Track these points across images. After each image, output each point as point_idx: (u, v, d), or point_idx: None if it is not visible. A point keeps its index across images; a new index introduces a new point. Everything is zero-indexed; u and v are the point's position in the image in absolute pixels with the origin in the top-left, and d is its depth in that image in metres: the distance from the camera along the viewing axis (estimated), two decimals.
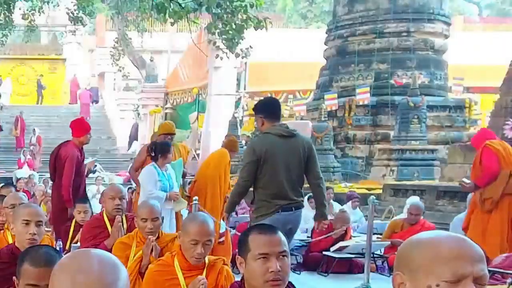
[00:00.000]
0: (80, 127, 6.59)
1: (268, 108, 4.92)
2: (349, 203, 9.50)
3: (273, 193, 4.79)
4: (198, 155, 18.72)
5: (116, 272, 1.30)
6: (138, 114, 25.08)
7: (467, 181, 6.75)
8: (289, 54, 18.10)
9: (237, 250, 2.45)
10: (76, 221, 5.98)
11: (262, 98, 6.10)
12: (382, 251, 7.79)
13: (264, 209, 4.83)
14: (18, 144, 22.94)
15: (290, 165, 4.78)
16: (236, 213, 8.20)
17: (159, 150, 6.32)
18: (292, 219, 4.88)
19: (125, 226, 4.48)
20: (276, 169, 4.75)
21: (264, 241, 2.25)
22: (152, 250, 3.73)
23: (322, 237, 7.67)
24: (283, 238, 2.30)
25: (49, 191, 10.54)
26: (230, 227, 8.46)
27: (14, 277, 2.24)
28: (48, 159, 6.94)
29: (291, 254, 7.76)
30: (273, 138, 4.76)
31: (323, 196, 4.94)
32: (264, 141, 4.81)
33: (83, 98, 27.16)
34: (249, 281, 2.32)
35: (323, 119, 12.70)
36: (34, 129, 21.88)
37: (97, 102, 28.32)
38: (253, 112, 5.17)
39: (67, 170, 6.27)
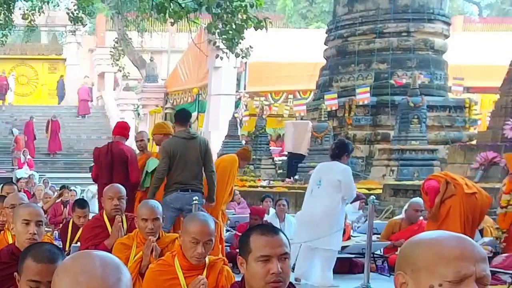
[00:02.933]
0: (127, 128, 7.31)
1: (177, 117, 6.86)
2: (355, 203, 9.44)
3: (177, 179, 6.47)
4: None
5: (118, 273, 1.30)
6: (138, 114, 25.08)
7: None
8: (289, 54, 18.07)
9: (237, 250, 2.45)
10: (73, 222, 6.00)
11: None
12: (382, 251, 7.78)
13: (171, 190, 6.48)
14: (49, 148, 22.60)
15: (190, 160, 6.47)
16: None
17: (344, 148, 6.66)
18: (187, 198, 6.42)
19: (125, 226, 4.48)
20: (179, 162, 6.43)
21: (266, 242, 2.24)
22: (152, 251, 3.73)
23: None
24: (285, 239, 2.30)
25: (49, 191, 10.54)
26: (230, 227, 8.48)
27: (15, 273, 2.23)
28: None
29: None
30: (178, 140, 6.49)
31: (213, 185, 6.68)
32: (172, 142, 6.54)
33: (81, 95, 27.19)
34: (249, 281, 2.31)
35: (323, 119, 12.70)
36: (12, 129, 21.95)
37: (90, 101, 28.31)
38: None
39: (136, 167, 6.85)
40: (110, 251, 4.12)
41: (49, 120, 22.60)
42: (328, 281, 6.62)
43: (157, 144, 7.26)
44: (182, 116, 6.81)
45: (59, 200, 9.30)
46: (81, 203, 6.35)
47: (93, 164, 7.49)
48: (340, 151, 6.55)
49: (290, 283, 2.35)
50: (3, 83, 27.01)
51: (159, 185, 6.52)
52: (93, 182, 15.93)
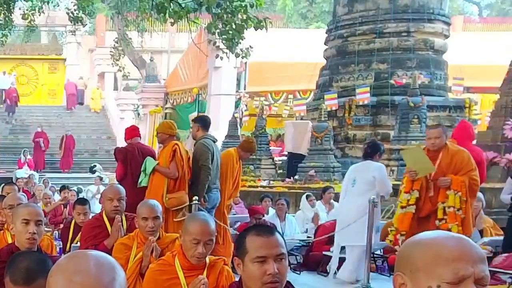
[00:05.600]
0: (138, 129, 7.95)
1: (204, 122, 7.35)
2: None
3: (212, 180, 7.07)
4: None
5: (113, 273, 1.30)
6: (138, 114, 25.09)
7: None
8: (289, 54, 18.06)
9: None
10: (75, 222, 6.00)
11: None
12: (382, 251, 7.78)
13: (207, 191, 7.07)
14: (60, 165, 21.59)
15: (218, 161, 7.18)
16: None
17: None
18: (218, 196, 7.24)
19: (124, 226, 4.48)
20: (214, 163, 7.07)
21: (262, 243, 2.24)
22: (152, 251, 3.72)
23: (325, 236, 7.68)
24: (281, 240, 2.29)
25: (49, 191, 10.53)
26: (230, 227, 8.48)
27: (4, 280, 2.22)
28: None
29: (291, 254, 7.80)
30: (212, 142, 7.17)
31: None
32: (210, 143, 7.12)
33: (69, 89, 27.27)
34: (246, 282, 2.32)
35: (323, 119, 12.69)
36: None
37: (82, 104, 28.31)
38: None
39: None
40: (109, 251, 4.12)
41: (63, 136, 21.79)
42: (357, 275, 6.70)
43: (160, 143, 7.29)
44: (206, 122, 7.39)
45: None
46: (81, 201, 6.39)
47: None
48: (372, 151, 6.91)
49: (288, 282, 2.35)
50: (13, 96, 25.90)
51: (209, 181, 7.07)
52: (93, 182, 15.87)
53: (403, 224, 6.09)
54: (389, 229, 6.29)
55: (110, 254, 4.06)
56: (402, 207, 6.14)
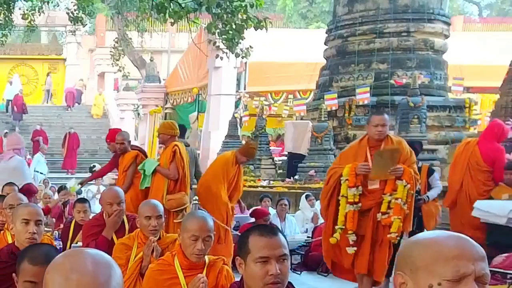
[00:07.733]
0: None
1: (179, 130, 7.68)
2: None
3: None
4: (198, 155, 18.68)
5: (109, 271, 1.30)
6: (138, 114, 25.08)
7: None
8: (289, 54, 18.06)
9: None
10: (75, 222, 6.00)
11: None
12: None
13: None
14: (63, 165, 20.93)
15: (189, 164, 7.53)
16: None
17: None
18: (191, 196, 7.71)
19: (126, 226, 4.47)
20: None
21: (265, 244, 2.24)
22: (153, 251, 3.73)
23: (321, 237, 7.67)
24: (284, 240, 2.29)
25: (49, 192, 10.54)
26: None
27: (14, 274, 2.24)
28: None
29: (292, 254, 7.80)
30: (183, 146, 7.33)
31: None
32: (182, 147, 7.33)
33: (66, 88, 27.42)
34: (248, 282, 2.31)
35: (323, 119, 12.69)
36: None
37: (78, 103, 28.32)
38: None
39: None
40: (109, 242, 4.14)
41: (66, 134, 21.20)
42: None
43: (161, 144, 7.31)
44: (182, 130, 8.45)
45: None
46: (81, 199, 6.42)
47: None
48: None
49: (289, 282, 2.35)
50: (20, 103, 25.22)
51: None
52: (93, 182, 15.90)
53: (353, 224, 5.55)
54: (336, 227, 5.70)
55: (110, 245, 4.07)
56: (350, 204, 5.55)
